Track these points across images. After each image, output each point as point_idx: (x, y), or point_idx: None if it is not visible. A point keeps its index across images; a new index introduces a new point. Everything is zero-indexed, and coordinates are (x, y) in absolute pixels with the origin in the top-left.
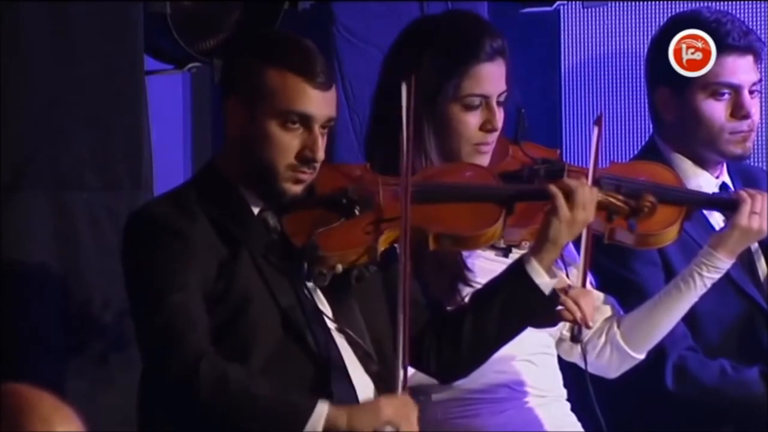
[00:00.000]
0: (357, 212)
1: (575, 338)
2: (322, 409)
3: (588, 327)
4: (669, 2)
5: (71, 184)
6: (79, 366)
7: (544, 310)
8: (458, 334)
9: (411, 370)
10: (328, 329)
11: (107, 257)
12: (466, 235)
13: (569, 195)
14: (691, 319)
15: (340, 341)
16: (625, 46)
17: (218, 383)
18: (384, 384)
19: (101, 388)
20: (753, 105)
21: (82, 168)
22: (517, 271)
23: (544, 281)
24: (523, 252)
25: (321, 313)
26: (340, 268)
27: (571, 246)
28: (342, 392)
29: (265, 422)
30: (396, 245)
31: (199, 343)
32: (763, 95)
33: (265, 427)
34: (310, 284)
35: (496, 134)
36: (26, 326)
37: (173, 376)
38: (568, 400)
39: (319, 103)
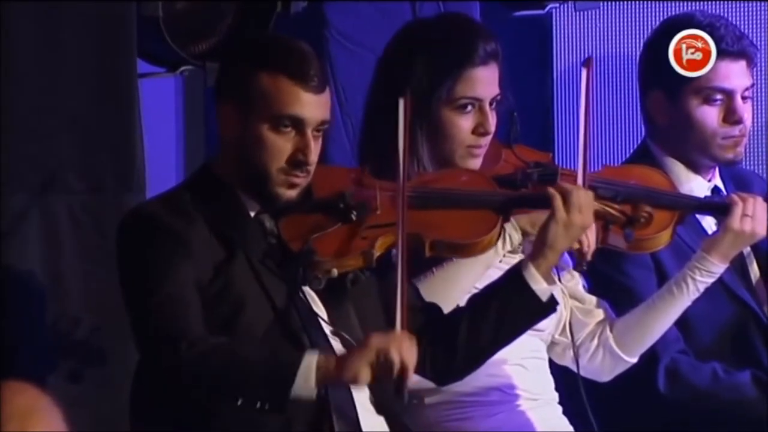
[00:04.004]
0: (354, 217)
1: (579, 267)
2: (311, 359)
3: (586, 259)
4: (661, 5)
5: (56, 186)
6: (63, 368)
7: (540, 316)
8: (454, 339)
9: None
10: (324, 332)
11: (89, 260)
12: (462, 242)
13: (565, 197)
14: (683, 322)
15: (336, 344)
16: (618, 49)
17: (201, 355)
18: (379, 387)
19: (87, 389)
20: (745, 110)
21: (67, 170)
22: (514, 277)
23: (541, 287)
24: (516, 257)
25: (316, 316)
26: (335, 272)
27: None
28: (337, 395)
29: (257, 383)
30: (392, 250)
31: (185, 326)
32: (761, 99)
33: (258, 389)
34: (305, 287)
35: (488, 138)
36: (8, 328)
37: (163, 360)
38: (561, 403)
39: (311, 106)
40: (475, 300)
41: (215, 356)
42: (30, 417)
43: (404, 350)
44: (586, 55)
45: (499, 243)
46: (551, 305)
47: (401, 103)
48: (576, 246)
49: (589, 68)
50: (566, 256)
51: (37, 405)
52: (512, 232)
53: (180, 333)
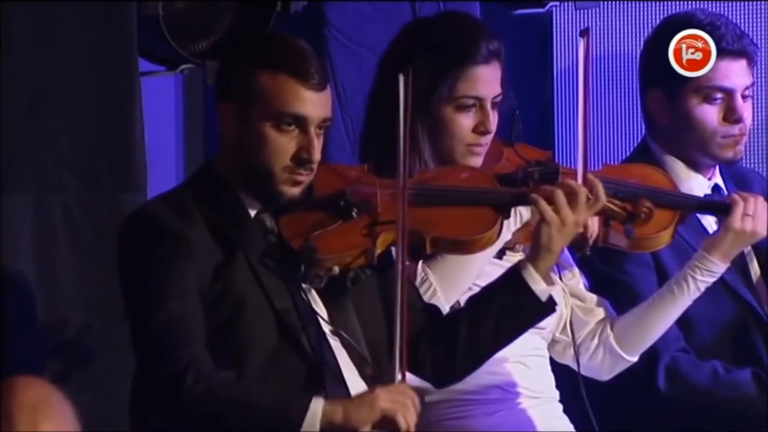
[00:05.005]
0: (354, 215)
1: (580, 249)
2: (317, 406)
3: (588, 244)
4: (662, 3)
5: (52, 185)
6: (57, 365)
7: (540, 316)
8: (454, 340)
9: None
10: (323, 332)
11: (85, 258)
12: (463, 239)
13: (550, 199)
14: (683, 320)
15: (335, 344)
16: (618, 47)
17: (206, 394)
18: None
19: (81, 389)
20: (745, 109)
21: (63, 169)
22: (514, 278)
23: (540, 288)
24: (517, 254)
25: (316, 315)
26: (336, 270)
27: (565, 249)
28: (336, 395)
29: (260, 428)
30: (393, 248)
31: (190, 353)
32: (761, 98)
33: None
34: (305, 286)
35: (489, 136)
36: (3, 326)
37: (163, 384)
38: (561, 401)
39: (313, 104)
40: (475, 300)
41: (220, 396)
42: (40, 411)
43: (410, 416)
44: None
45: (511, 219)
46: (550, 306)
47: (401, 79)
48: (579, 230)
49: (586, 38)
50: (567, 254)
51: (47, 399)
52: (522, 209)
53: (184, 365)
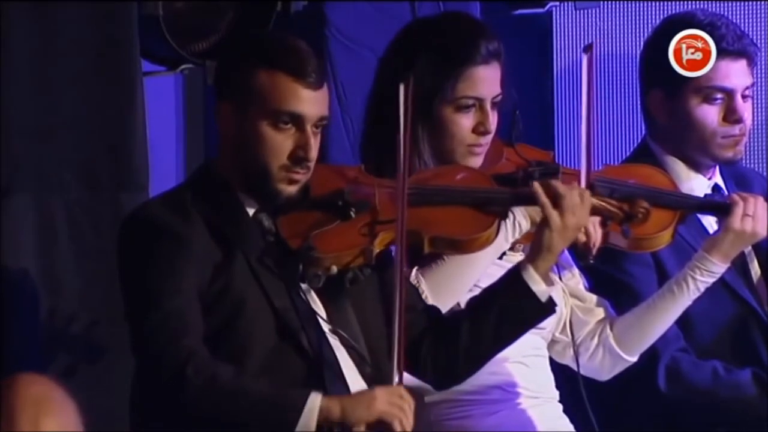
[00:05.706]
0: (352, 214)
1: (583, 258)
2: (315, 401)
3: (591, 253)
4: (662, 3)
5: (53, 185)
6: (58, 364)
7: (540, 317)
8: (455, 343)
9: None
10: (323, 331)
11: (86, 258)
12: (461, 238)
13: (557, 201)
14: (684, 320)
15: (334, 343)
16: (618, 48)
17: (207, 385)
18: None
19: (83, 387)
20: (745, 109)
21: (65, 170)
22: (514, 279)
23: (540, 288)
24: (517, 254)
25: (315, 314)
26: (334, 269)
27: (565, 249)
28: (337, 393)
29: (259, 418)
30: (392, 247)
31: (190, 347)
32: (761, 98)
33: (259, 424)
34: (304, 286)
35: (489, 137)
36: (5, 326)
37: (163, 380)
38: (561, 401)
39: (310, 102)
40: (475, 302)
41: (220, 387)
42: (42, 407)
43: (406, 421)
44: None
45: (509, 230)
46: (550, 307)
47: (401, 89)
48: (583, 239)
49: (590, 54)
50: (567, 254)
51: (51, 395)
52: (521, 220)
53: (183, 358)
